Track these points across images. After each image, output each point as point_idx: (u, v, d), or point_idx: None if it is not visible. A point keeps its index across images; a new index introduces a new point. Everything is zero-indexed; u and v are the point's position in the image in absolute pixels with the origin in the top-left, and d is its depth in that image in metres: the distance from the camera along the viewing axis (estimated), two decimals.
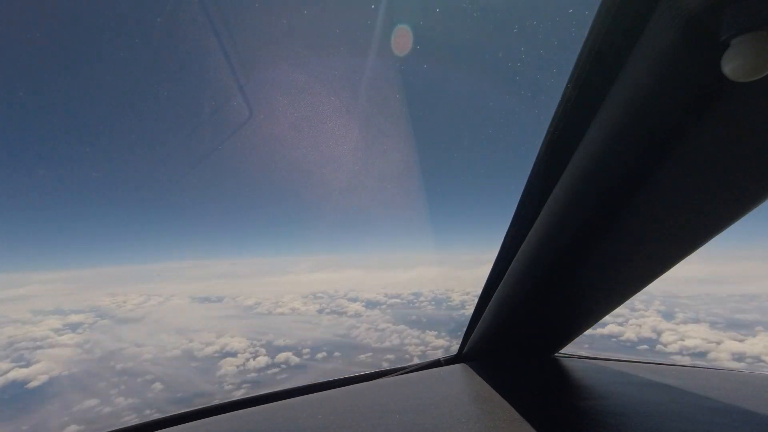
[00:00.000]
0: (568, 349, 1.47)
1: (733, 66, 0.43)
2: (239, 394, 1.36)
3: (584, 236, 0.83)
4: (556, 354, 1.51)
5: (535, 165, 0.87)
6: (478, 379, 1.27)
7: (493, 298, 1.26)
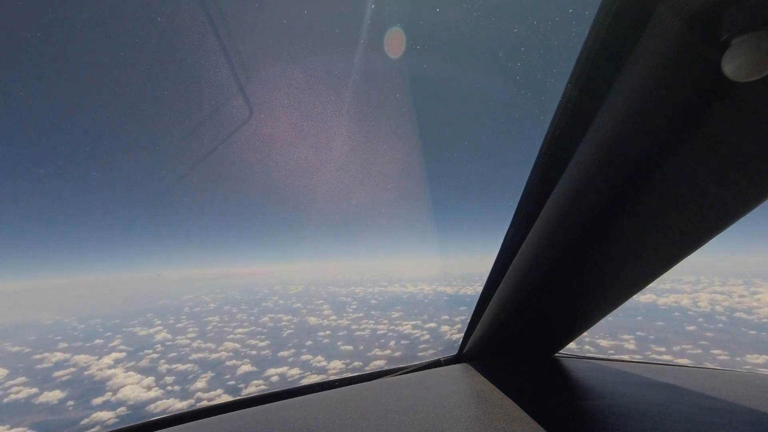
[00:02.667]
0: (568, 349, 1.47)
1: (733, 66, 0.43)
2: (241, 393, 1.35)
3: (584, 236, 0.83)
4: (556, 354, 1.51)
5: (535, 165, 0.87)
6: (478, 379, 1.27)
7: (492, 299, 1.26)
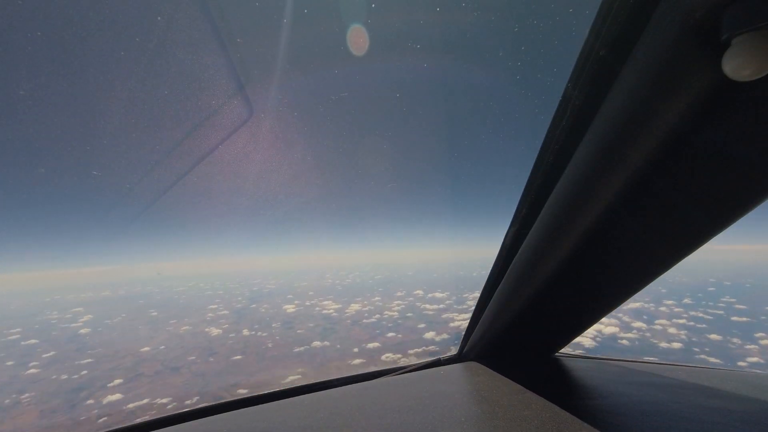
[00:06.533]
0: (568, 349, 1.47)
1: (733, 65, 0.43)
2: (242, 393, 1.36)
3: (584, 236, 0.83)
4: (556, 354, 1.51)
5: (535, 165, 0.87)
6: (478, 378, 1.27)
7: (493, 298, 1.26)
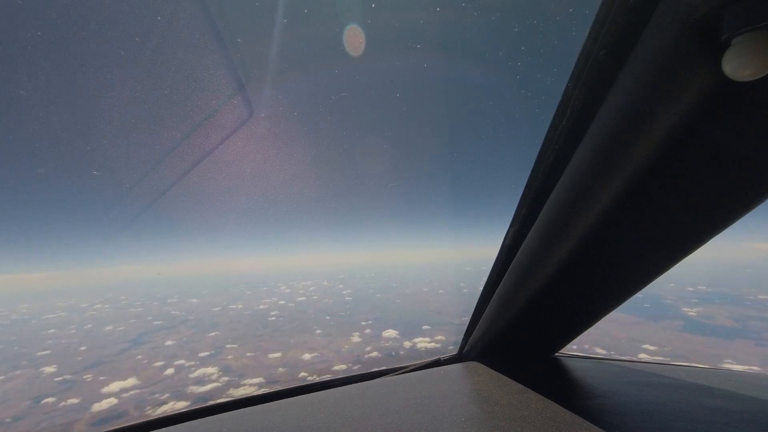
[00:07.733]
0: (568, 349, 1.47)
1: (733, 65, 0.43)
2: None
3: (584, 236, 0.83)
4: (556, 354, 1.51)
5: (535, 164, 0.87)
6: (478, 378, 1.27)
7: (493, 298, 1.26)
